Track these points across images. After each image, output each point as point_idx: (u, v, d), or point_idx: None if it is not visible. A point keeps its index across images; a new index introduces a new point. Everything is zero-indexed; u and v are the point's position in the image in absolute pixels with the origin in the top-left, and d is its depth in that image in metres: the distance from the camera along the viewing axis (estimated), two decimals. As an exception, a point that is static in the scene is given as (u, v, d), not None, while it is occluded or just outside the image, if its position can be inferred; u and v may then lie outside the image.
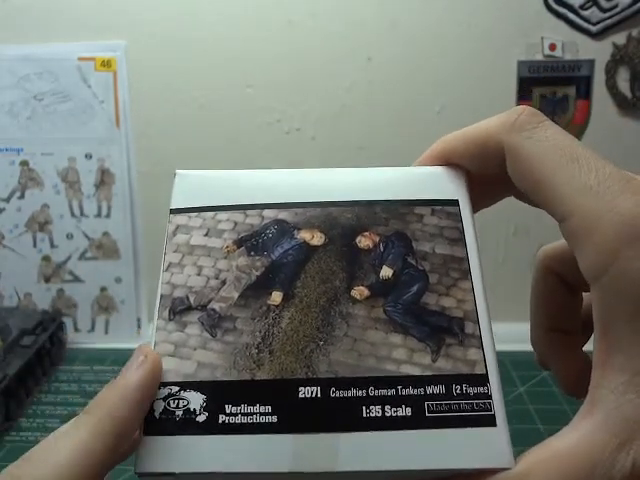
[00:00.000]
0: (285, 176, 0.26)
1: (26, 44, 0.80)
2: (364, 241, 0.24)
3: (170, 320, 0.23)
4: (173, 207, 0.25)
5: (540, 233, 0.76)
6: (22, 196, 0.84)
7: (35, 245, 0.85)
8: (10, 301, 0.85)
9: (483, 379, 0.21)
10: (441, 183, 0.25)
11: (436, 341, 0.22)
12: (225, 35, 0.80)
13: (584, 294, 0.27)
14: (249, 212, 0.25)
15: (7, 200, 0.84)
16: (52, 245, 0.85)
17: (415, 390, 0.21)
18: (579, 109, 0.81)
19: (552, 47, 0.80)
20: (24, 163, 0.83)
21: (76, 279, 0.86)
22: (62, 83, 0.81)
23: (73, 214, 0.84)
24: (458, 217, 0.24)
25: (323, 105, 0.81)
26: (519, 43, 0.80)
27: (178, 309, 0.23)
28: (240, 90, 0.81)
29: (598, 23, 0.79)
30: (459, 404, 0.21)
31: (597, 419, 0.18)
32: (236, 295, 0.23)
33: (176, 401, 0.21)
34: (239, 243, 0.25)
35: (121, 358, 0.80)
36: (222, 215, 0.25)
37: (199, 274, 0.24)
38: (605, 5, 0.79)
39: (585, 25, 0.79)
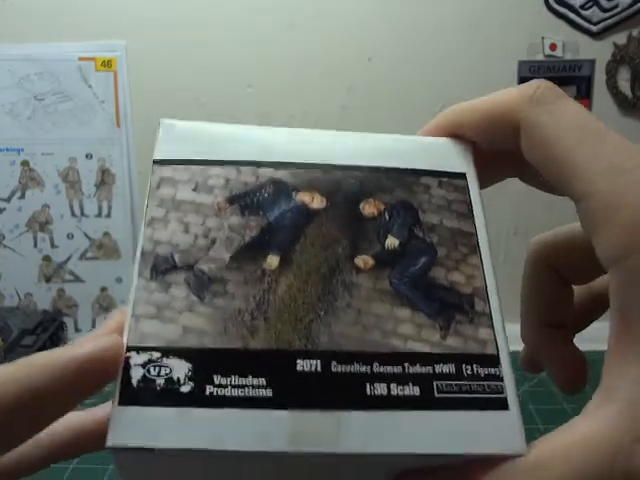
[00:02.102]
0: (284, 134, 0.24)
1: (27, 44, 0.80)
2: (368, 208, 0.23)
3: (152, 279, 0.20)
4: (157, 158, 0.23)
5: (539, 233, 0.75)
6: (23, 196, 0.84)
7: (36, 245, 0.85)
8: (11, 301, 0.85)
9: (494, 360, 0.20)
10: (448, 155, 0.24)
11: (445, 317, 0.21)
12: (225, 35, 0.80)
13: (575, 287, 0.27)
14: (243, 169, 0.23)
15: (8, 200, 0.84)
16: (53, 245, 0.85)
17: (423, 368, 0.19)
18: (579, 109, 0.81)
19: (553, 47, 0.80)
20: (25, 163, 0.83)
21: (77, 279, 0.86)
22: (63, 83, 0.81)
23: (74, 214, 0.84)
24: (466, 191, 0.23)
25: (323, 105, 0.81)
26: (520, 43, 0.80)
27: (161, 268, 0.21)
28: (240, 90, 0.81)
29: (599, 23, 0.79)
30: (470, 385, 0.19)
31: (614, 409, 0.17)
32: (227, 256, 0.21)
33: (157, 368, 0.19)
34: (231, 201, 0.22)
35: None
36: (213, 170, 0.23)
37: (186, 231, 0.22)
38: (606, 5, 0.79)
39: (586, 25, 0.79)
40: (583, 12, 0.79)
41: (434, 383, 0.19)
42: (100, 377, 0.18)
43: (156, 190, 0.22)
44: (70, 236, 0.85)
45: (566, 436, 0.18)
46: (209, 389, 0.18)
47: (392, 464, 0.19)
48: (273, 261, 0.21)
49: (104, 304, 0.86)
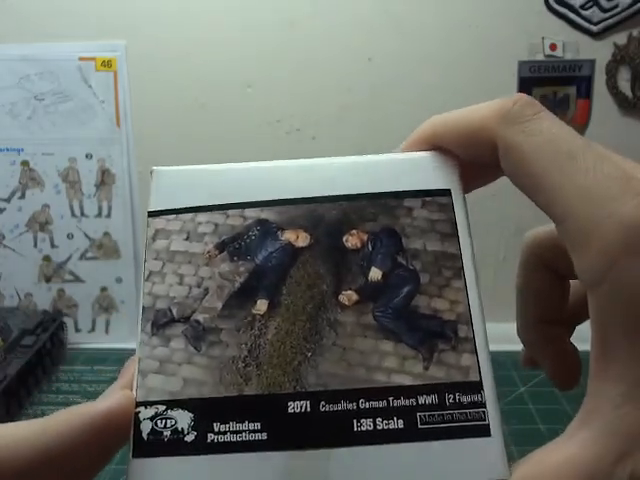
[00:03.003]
0: (266, 170, 0.24)
1: (27, 44, 0.80)
2: (352, 240, 0.23)
3: (153, 334, 0.22)
4: (151, 209, 0.24)
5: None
6: (23, 196, 0.84)
7: (36, 245, 0.85)
8: (11, 301, 0.85)
9: (477, 386, 0.20)
10: (430, 171, 0.23)
11: (428, 347, 0.21)
12: (225, 35, 0.80)
13: (572, 282, 0.26)
14: (230, 212, 0.24)
15: (8, 200, 0.84)
16: (53, 245, 0.85)
17: (407, 401, 0.20)
18: (580, 109, 0.81)
19: (553, 47, 0.80)
20: (25, 163, 0.83)
21: (77, 279, 0.86)
22: (63, 83, 0.81)
23: (74, 214, 0.84)
24: (450, 209, 0.23)
25: (323, 105, 0.81)
26: (520, 43, 0.80)
27: (161, 322, 0.22)
28: (240, 90, 0.81)
29: (599, 23, 0.79)
30: (452, 414, 0.20)
31: (594, 430, 0.17)
32: (220, 305, 0.22)
33: (163, 421, 0.20)
34: (221, 247, 0.23)
35: (122, 358, 0.80)
36: (202, 217, 0.24)
37: (181, 283, 0.23)
38: (606, 5, 0.79)
39: (586, 25, 0.79)
40: (583, 12, 0.79)
41: (417, 415, 0.20)
42: (114, 435, 0.20)
43: (152, 243, 0.24)
44: (70, 236, 0.85)
45: (544, 460, 0.18)
46: (210, 437, 0.20)
47: None
48: (262, 306, 0.22)
49: (104, 304, 0.86)
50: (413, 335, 0.21)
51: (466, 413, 0.20)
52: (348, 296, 0.22)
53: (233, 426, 0.20)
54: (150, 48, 0.80)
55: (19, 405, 0.69)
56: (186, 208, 0.24)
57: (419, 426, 0.20)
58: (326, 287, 0.22)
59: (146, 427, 0.20)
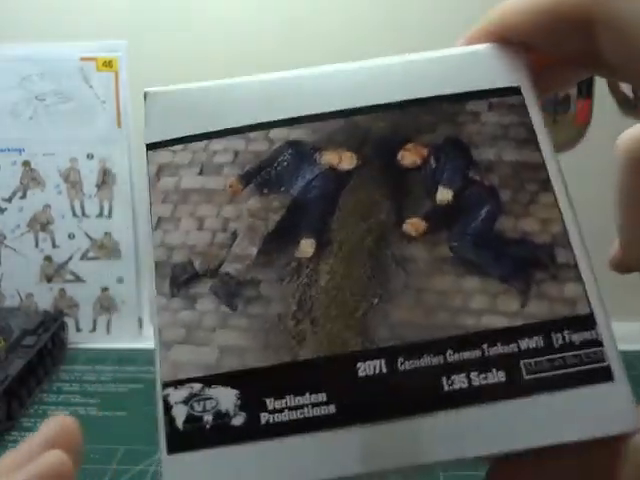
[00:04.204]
0: (291, 79, 0.20)
1: (28, 44, 0.80)
2: (408, 156, 0.19)
3: (174, 296, 0.17)
4: (150, 141, 0.19)
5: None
6: (24, 196, 0.84)
7: (37, 245, 0.85)
8: (12, 301, 0.85)
9: (589, 320, 0.16)
10: (495, 66, 0.19)
11: (523, 279, 0.17)
12: (226, 35, 0.80)
13: None
14: (252, 135, 0.19)
15: (9, 200, 0.84)
16: (54, 245, 0.85)
17: (506, 347, 0.16)
18: (581, 109, 0.81)
19: (554, 47, 0.80)
20: (26, 163, 0.83)
21: (78, 279, 0.86)
22: (64, 83, 0.81)
23: (75, 214, 0.84)
24: (524, 109, 0.19)
25: (324, 105, 0.81)
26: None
27: (181, 279, 0.18)
28: (241, 90, 0.81)
29: (600, 23, 0.79)
30: (564, 358, 0.16)
31: None
32: (254, 250, 0.18)
33: (202, 402, 0.16)
34: (246, 179, 0.19)
35: (123, 358, 0.80)
36: (217, 144, 0.19)
37: (200, 228, 0.18)
38: (607, 5, 0.79)
39: (587, 25, 0.79)
40: (584, 12, 0.79)
41: (521, 363, 0.16)
42: None
43: (157, 182, 0.19)
44: (71, 236, 0.85)
45: None
46: (264, 417, 0.16)
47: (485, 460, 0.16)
48: (308, 247, 0.18)
49: (105, 304, 0.86)
50: (502, 266, 0.17)
51: (580, 355, 0.16)
52: (414, 224, 0.18)
53: (291, 401, 0.16)
54: (151, 48, 0.80)
55: (20, 405, 0.69)
56: (195, 135, 0.19)
57: (525, 377, 0.16)
58: (385, 216, 0.18)
59: (180, 413, 0.16)
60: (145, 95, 0.20)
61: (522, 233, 0.18)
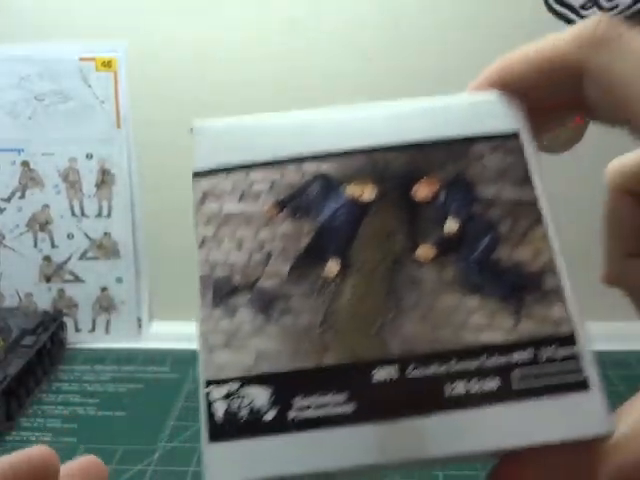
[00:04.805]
0: (322, 118, 0.22)
1: (27, 44, 0.80)
2: (422, 191, 0.21)
3: (216, 306, 0.20)
4: (196, 170, 0.22)
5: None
6: (23, 196, 0.84)
7: (36, 245, 0.85)
8: (11, 301, 0.85)
9: (570, 339, 0.19)
10: (497, 113, 0.22)
11: (517, 300, 0.20)
12: (226, 35, 0.80)
13: None
14: (287, 167, 0.22)
15: (8, 200, 0.84)
16: (53, 245, 0.85)
17: (500, 359, 0.19)
18: (579, 109, 0.81)
19: (552, 47, 0.80)
20: (25, 163, 0.83)
21: (77, 279, 0.86)
22: (63, 83, 0.81)
23: (74, 214, 0.85)
24: (520, 153, 0.21)
25: (323, 105, 0.81)
26: (519, 43, 0.80)
27: (223, 292, 0.20)
28: (240, 90, 0.81)
29: (598, 23, 0.79)
30: (547, 370, 0.19)
31: None
32: (286, 269, 0.20)
33: (239, 400, 0.19)
34: (280, 206, 0.21)
35: (122, 358, 0.80)
36: (256, 174, 0.22)
37: (240, 248, 0.21)
38: (605, 5, 0.79)
39: (585, 25, 0.79)
40: (583, 12, 0.79)
41: (512, 373, 0.19)
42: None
43: (201, 206, 0.21)
44: (70, 236, 0.85)
45: None
46: (292, 413, 0.18)
47: (485, 456, 0.19)
48: (333, 267, 0.20)
49: (104, 304, 0.86)
50: (499, 288, 0.20)
51: (561, 368, 0.19)
52: (425, 251, 0.20)
53: (316, 399, 0.18)
54: (150, 48, 0.80)
55: (19, 405, 0.69)
56: (237, 166, 0.22)
57: (515, 385, 0.18)
58: (400, 243, 0.21)
59: (220, 408, 0.18)
60: (191, 129, 0.22)
61: (516, 261, 0.20)
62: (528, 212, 0.21)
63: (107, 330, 0.87)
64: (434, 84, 0.80)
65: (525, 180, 0.21)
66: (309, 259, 0.21)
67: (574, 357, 0.19)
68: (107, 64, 0.81)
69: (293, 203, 0.21)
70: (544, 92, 0.21)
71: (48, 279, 0.86)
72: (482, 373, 0.19)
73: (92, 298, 0.86)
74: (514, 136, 0.22)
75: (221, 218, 0.21)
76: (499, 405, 0.18)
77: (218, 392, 0.19)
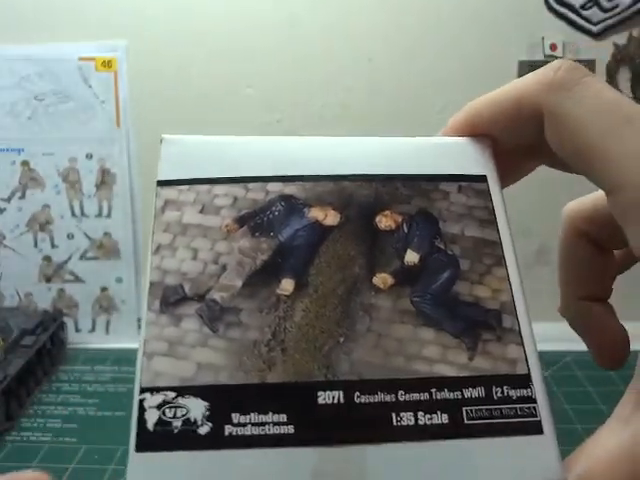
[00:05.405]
0: (291, 144, 0.23)
1: (27, 44, 0.80)
2: (385, 221, 0.21)
3: (162, 313, 0.20)
4: (161, 178, 0.22)
5: (540, 233, 0.76)
6: (23, 196, 0.84)
7: (36, 245, 0.85)
8: (11, 301, 0.85)
9: (526, 380, 0.19)
10: (467, 156, 0.22)
11: (472, 336, 0.19)
12: (226, 36, 0.80)
13: (616, 252, 0.25)
14: (251, 185, 0.22)
15: (8, 200, 0.84)
16: (53, 245, 0.85)
17: (451, 393, 0.18)
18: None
19: (553, 47, 0.80)
20: (25, 163, 0.83)
21: (77, 279, 0.86)
22: (63, 83, 0.81)
23: (74, 214, 0.84)
24: (487, 195, 0.22)
25: (323, 105, 0.81)
26: (520, 43, 0.80)
27: (171, 299, 0.20)
28: (240, 90, 0.81)
29: (599, 23, 0.79)
30: (500, 409, 0.18)
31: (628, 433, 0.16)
32: (239, 283, 0.20)
33: (173, 410, 0.18)
34: (241, 221, 0.21)
35: (122, 358, 0.80)
36: (219, 189, 0.22)
37: (194, 258, 0.21)
38: (606, 5, 0.79)
39: (586, 25, 0.79)
40: (583, 12, 0.79)
41: (463, 409, 0.18)
42: None
43: (161, 214, 0.21)
44: (70, 236, 0.85)
45: (607, 446, 0.17)
46: (228, 429, 0.18)
47: None
48: (288, 285, 0.20)
49: (104, 304, 0.86)
50: (455, 323, 0.20)
51: (515, 408, 0.18)
52: (383, 279, 0.20)
53: (255, 417, 0.18)
54: (150, 48, 0.80)
55: (19, 405, 0.69)
56: (201, 179, 0.22)
57: (465, 421, 0.18)
58: (358, 269, 0.21)
59: (152, 416, 0.18)
60: (161, 140, 0.23)
61: (475, 298, 0.20)
62: (490, 252, 0.21)
63: (107, 330, 0.86)
64: (434, 84, 0.80)
65: (490, 221, 0.22)
66: (264, 275, 0.20)
67: (529, 399, 0.18)
68: (107, 64, 0.81)
69: (254, 220, 0.21)
70: (511, 136, 0.22)
71: (48, 279, 0.86)
72: (432, 406, 0.18)
73: (92, 298, 0.86)
74: (482, 178, 0.22)
75: (180, 227, 0.21)
76: (447, 441, 0.18)
77: (152, 400, 0.18)
